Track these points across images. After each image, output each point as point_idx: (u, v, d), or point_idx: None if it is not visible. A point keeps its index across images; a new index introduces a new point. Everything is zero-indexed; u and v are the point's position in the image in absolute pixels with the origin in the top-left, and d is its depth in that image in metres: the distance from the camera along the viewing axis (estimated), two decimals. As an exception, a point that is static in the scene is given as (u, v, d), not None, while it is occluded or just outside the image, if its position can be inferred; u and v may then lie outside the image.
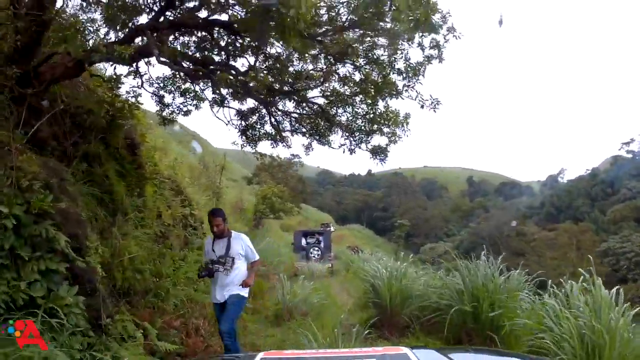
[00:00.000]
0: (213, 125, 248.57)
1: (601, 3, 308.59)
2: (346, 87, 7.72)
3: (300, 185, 45.51)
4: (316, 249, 25.73)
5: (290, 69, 8.37)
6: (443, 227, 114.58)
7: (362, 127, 7.89)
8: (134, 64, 8.70)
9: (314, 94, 8.44)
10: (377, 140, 8.08)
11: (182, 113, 9.75)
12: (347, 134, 8.14)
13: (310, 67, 8.18)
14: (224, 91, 9.33)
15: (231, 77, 7.50)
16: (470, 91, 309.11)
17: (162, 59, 6.54)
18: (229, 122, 9.50)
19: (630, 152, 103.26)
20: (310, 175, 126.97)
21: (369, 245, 69.71)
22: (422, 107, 6.49)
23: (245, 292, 6.87)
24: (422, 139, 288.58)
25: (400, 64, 6.76)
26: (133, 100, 8.83)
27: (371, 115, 7.33)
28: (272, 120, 9.43)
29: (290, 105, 9.16)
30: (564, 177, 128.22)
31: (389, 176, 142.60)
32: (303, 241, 26.41)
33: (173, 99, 9.69)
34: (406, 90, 6.53)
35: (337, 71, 7.28)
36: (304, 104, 8.36)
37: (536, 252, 74.77)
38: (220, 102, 9.43)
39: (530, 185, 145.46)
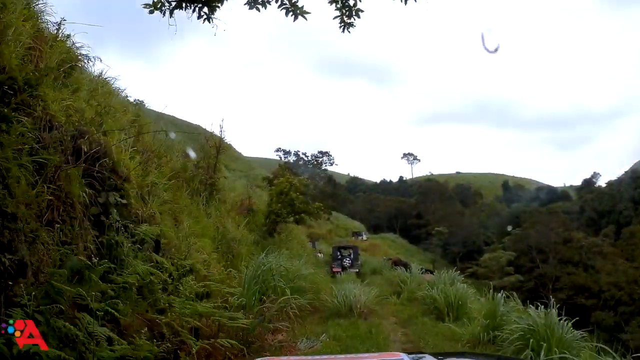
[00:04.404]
0: (240, 129, 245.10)
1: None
2: None
3: (330, 188, 39.38)
4: (348, 259, 32.59)
5: None
6: (481, 234, 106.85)
7: None
8: None
9: None
10: None
11: None
12: None
13: None
14: None
15: None
16: (493, 97, 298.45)
17: None
18: None
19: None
20: (340, 182, 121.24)
21: (403, 255, 63.42)
22: None
23: None
24: (454, 146, 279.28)
25: None
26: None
27: None
28: None
29: None
30: (598, 180, 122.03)
31: (421, 182, 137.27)
32: (338, 254, 33.30)
33: None
34: None
35: None
36: None
37: (611, 262, 67.07)
38: None
39: (566, 190, 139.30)
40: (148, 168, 8.66)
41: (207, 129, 17.33)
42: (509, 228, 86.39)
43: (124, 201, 6.64)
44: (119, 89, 11.94)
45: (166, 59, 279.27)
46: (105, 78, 10.11)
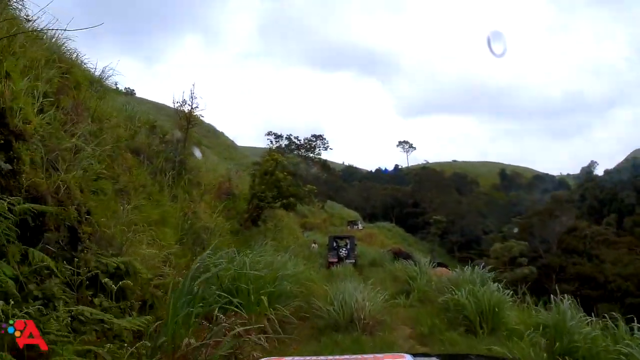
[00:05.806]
0: (237, 120, 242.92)
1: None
2: None
3: (324, 174, 36.90)
4: (344, 249, 31.64)
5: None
6: (479, 223, 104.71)
7: None
8: None
9: None
10: None
11: None
12: None
13: None
14: None
15: None
16: (488, 86, 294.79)
17: None
18: None
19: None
20: (336, 169, 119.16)
21: (401, 245, 61.41)
22: None
23: None
24: (449, 135, 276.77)
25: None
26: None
27: None
28: None
29: None
30: (596, 169, 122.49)
31: (416, 170, 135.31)
32: (334, 244, 32.56)
33: None
34: None
35: None
36: None
37: (618, 251, 65.07)
38: None
39: (564, 178, 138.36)
40: (74, 129, 6.24)
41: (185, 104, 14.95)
42: (515, 230, 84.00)
43: (10, 166, 4.30)
44: (75, 51, 9.66)
45: (161, 53, 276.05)
46: (29, 18, 7.67)
